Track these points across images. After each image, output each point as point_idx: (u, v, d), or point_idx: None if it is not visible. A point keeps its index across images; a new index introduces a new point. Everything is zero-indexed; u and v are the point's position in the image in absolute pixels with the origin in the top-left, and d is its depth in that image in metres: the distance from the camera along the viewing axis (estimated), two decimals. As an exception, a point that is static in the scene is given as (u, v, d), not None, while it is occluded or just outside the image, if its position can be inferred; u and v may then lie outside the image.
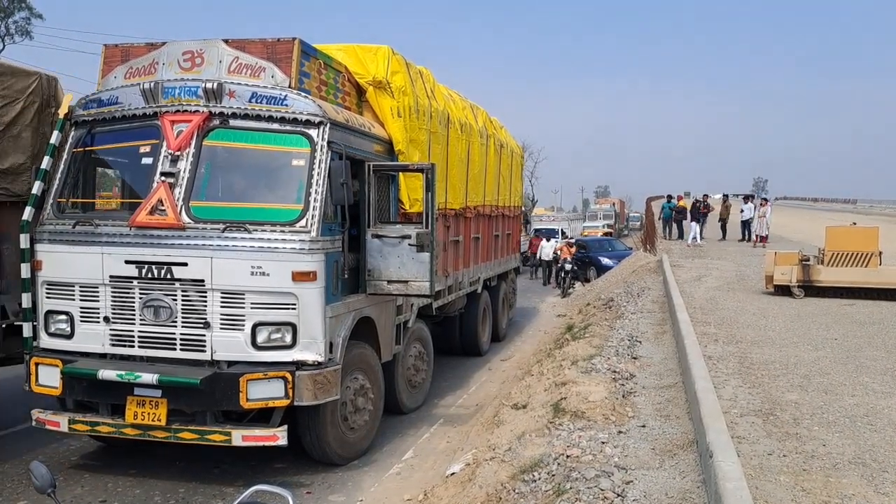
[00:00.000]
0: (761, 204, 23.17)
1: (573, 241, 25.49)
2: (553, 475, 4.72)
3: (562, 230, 31.14)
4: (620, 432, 5.35)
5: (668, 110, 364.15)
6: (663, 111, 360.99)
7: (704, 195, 25.38)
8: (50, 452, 6.54)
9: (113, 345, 5.77)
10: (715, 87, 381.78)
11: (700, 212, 23.43)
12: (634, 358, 7.73)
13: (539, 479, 4.76)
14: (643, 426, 5.51)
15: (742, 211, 24.03)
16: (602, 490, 4.22)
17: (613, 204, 59.48)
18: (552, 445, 5.19)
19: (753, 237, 23.14)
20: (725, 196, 25.25)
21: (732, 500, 3.35)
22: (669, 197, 27.02)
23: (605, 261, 23.12)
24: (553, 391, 6.61)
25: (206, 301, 5.60)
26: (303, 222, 5.66)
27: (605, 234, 40.70)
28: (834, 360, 7.82)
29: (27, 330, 5.96)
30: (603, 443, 5.08)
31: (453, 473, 5.76)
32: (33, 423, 5.94)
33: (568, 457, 4.89)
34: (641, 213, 54.32)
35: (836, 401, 6.24)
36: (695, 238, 23.09)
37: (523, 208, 17.48)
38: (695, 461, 4.72)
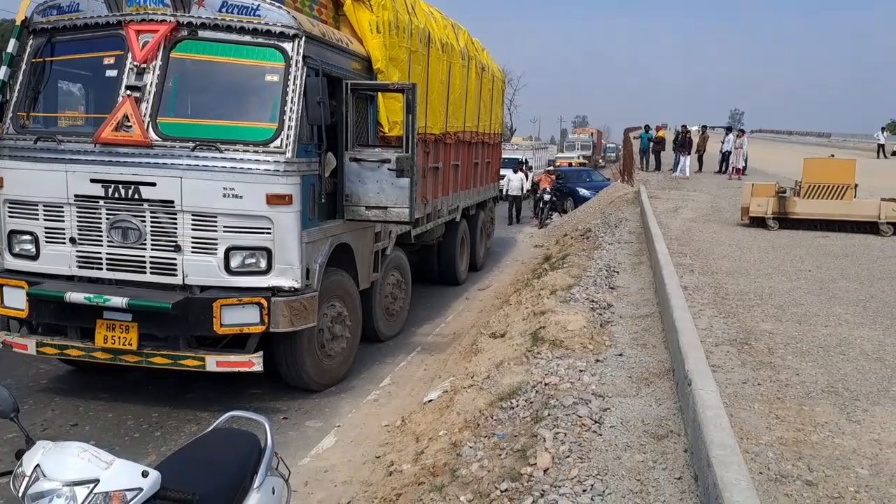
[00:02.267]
0: (738, 136, 23.08)
1: (553, 170, 25.26)
2: (531, 402, 4.72)
3: (525, 160, 27.21)
4: (598, 361, 5.36)
5: (647, 41, 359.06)
6: (641, 42, 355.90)
7: (683, 126, 25.19)
8: (19, 375, 6.40)
9: (80, 267, 5.57)
10: (694, 18, 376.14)
11: (686, 143, 23.09)
12: (612, 288, 7.73)
13: (517, 406, 4.76)
14: (620, 355, 5.53)
15: (723, 143, 23.93)
16: (580, 417, 4.23)
17: (591, 134, 58.95)
18: (530, 374, 5.18)
19: (730, 169, 23.14)
20: (704, 127, 25.08)
21: (712, 427, 3.35)
22: (647, 127, 26.76)
23: (583, 192, 23.04)
24: (532, 320, 6.59)
25: (176, 223, 5.40)
26: (277, 142, 5.43)
27: (581, 164, 38.98)
28: (808, 291, 7.90)
29: (-11, 251, 5.74)
30: (581, 371, 5.08)
31: (431, 400, 5.76)
32: (0, 346, 5.79)
33: (546, 385, 4.89)
34: (617, 145, 54.02)
35: (810, 331, 6.31)
36: (683, 170, 22.86)
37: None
38: (671, 389, 4.75)
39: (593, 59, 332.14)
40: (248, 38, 5.50)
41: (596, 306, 6.88)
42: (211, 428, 3.20)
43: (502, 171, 18.51)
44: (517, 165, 22.75)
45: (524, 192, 21.53)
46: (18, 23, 5.80)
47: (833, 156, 14.66)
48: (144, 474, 2.14)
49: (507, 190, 20.52)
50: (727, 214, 14.42)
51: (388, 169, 6.26)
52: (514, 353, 5.88)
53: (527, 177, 21.92)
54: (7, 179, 5.64)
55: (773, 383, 4.99)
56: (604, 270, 8.54)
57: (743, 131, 23.90)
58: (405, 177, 6.24)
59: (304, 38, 5.57)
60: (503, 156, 17.76)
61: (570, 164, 36.75)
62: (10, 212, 5.68)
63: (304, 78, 5.52)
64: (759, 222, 12.71)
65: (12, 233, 5.69)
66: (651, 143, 25.85)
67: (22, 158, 5.56)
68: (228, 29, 5.48)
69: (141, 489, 2.11)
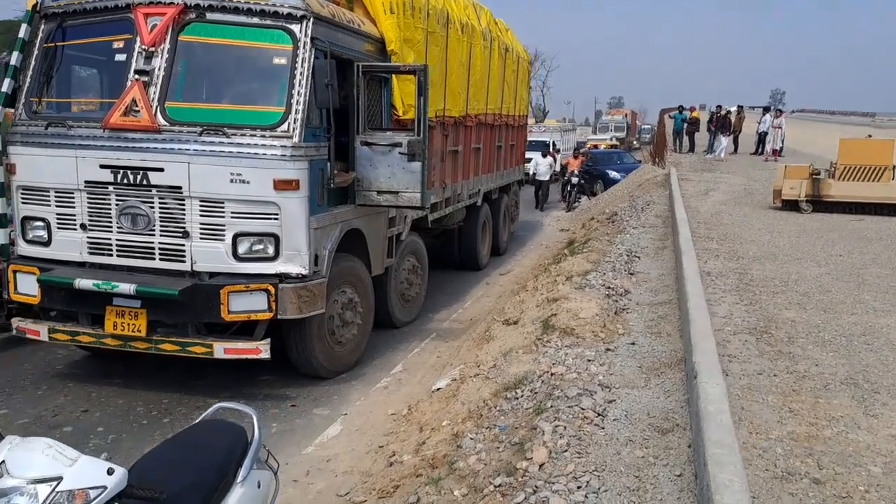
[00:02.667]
0: (775, 115, 22.42)
1: (583, 151, 24.85)
2: (535, 393, 4.62)
3: (552, 143, 26.24)
4: (608, 350, 5.23)
5: (686, 20, 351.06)
6: (680, 21, 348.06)
7: (718, 106, 24.57)
8: (36, 360, 6.52)
9: (91, 253, 5.61)
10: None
11: (727, 124, 22.44)
12: (631, 274, 7.56)
13: (521, 396, 4.68)
14: (633, 343, 5.39)
15: (759, 123, 23.28)
16: (583, 409, 4.12)
17: (626, 115, 57.81)
18: (538, 363, 5.08)
19: (766, 150, 22.53)
20: (740, 107, 24.39)
21: (712, 423, 3.22)
22: (681, 108, 26.17)
23: (613, 174, 22.67)
24: (545, 307, 6.48)
25: (184, 209, 5.39)
26: (284, 126, 5.38)
27: (611, 146, 38.05)
28: (836, 276, 7.64)
29: (3, 236, 5.80)
30: (589, 360, 4.97)
31: (439, 389, 5.70)
32: (14, 332, 5.88)
33: (552, 374, 4.79)
34: (653, 126, 52.95)
35: (834, 319, 6.09)
36: (719, 153, 22.26)
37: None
38: (681, 380, 4.60)
39: (630, 39, 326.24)
40: (255, 19, 5.44)
41: (612, 293, 6.73)
42: (198, 420, 3.17)
43: (530, 154, 18.27)
44: (544, 148, 21.82)
45: (552, 176, 20.61)
46: (29, 7, 5.82)
47: (871, 136, 14.13)
48: (110, 472, 2.10)
49: (535, 174, 19.79)
50: (760, 197, 14.04)
51: (400, 153, 6.18)
52: (523, 341, 5.78)
53: (555, 160, 20.92)
54: (19, 165, 5.69)
55: (790, 374, 4.81)
56: (624, 255, 8.36)
57: (781, 111, 23.20)
58: (417, 161, 6.15)
59: (312, 20, 5.48)
60: (529, 138, 17.42)
61: (594, 147, 35.54)
62: (23, 198, 5.73)
63: (312, 60, 5.45)
64: (791, 205, 12.36)
65: (25, 219, 5.75)
66: (685, 125, 25.31)
67: (34, 144, 5.60)
68: (236, 11, 5.42)
69: (105, 487, 2.07)
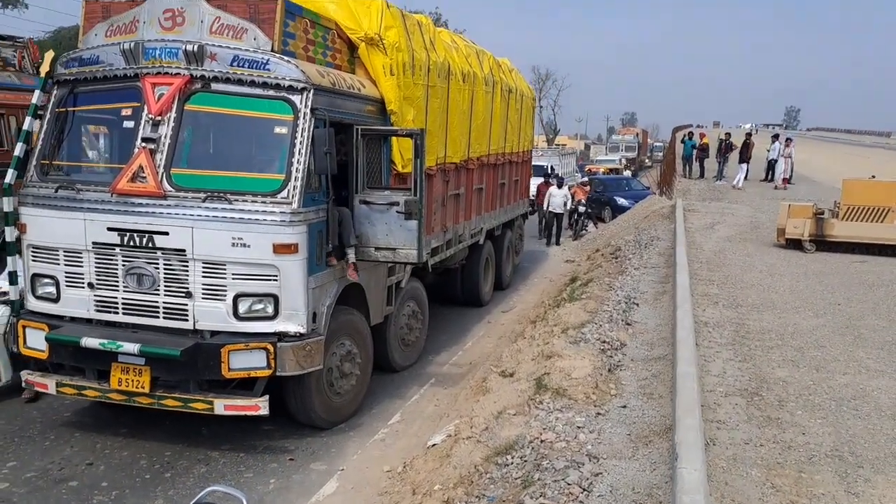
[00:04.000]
0: (786, 144, 22.45)
1: (587, 181, 24.86)
2: (525, 461, 4.73)
3: (550, 167, 24.10)
4: (599, 414, 5.34)
5: (700, 36, 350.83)
6: (694, 37, 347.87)
7: (727, 133, 24.65)
8: (45, 408, 6.70)
9: (98, 310, 5.79)
10: (750, 11, 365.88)
11: (746, 152, 22.20)
12: (628, 324, 7.66)
13: (511, 463, 4.79)
14: (624, 406, 5.49)
15: (768, 150, 23.29)
16: (568, 484, 4.23)
17: (637, 134, 57.83)
18: (529, 426, 5.20)
19: (777, 179, 22.54)
20: (748, 134, 24.44)
21: (687, 515, 3.32)
22: (690, 134, 26.30)
23: (621, 201, 22.75)
24: (540, 362, 6.59)
25: (187, 270, 5.57)
26: (284, 193, 5.56)
27: (611, 170, 35.76)
28: (833, 329, 7.70)
29: (14, 293, 6.00)
30: (579, 427, 5.07)
31: (434, 445, 5.81)
32: (23, 385, 6.07)
33: (542, 441, 4.90)
34: (665, 142, 52.80)
35: (827, 379, 6.16)
36: (738, 180, 21.97)
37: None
38: (668, 451, 4.69)
39: (644, 55, 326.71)
40: (258, 91, 5.63)
41: (607, 347, 6.83)
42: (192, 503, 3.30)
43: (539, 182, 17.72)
44: (549, 176, 20.28)
45: (567, 208, 18.94)
46: (43, 75, 6.05)
47: (874, 177, 14.17)
48: None
49: (549, 207, 18.43)
50: (765, 232, 14.09)
51: (397, 211, 6.33)
52: (517, 399, 5.89)
53: (559, 186, 18.86)
54: (30, 226, 5.89)
55: (776, 444, 4.90)
56: (622, 303, 8.46)
57: (790, 139, 23.21)
58: (413, 219, 6.30)
59: (312, 91, 5.67)
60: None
61: (592, 172, 33.34)
62: (33, 256, 5.93)
63: (312, 130, 5.63)
64: (795, 244, 12.40)
65: (35, 276, 5.95)
66: (694, 151, 25.40)
67: (44, 206, 5.81)
68: (240, 82, 5.62)
69: None
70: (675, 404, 4.76)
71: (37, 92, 6.02)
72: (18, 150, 5.95)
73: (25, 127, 5.99)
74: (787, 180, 22.28)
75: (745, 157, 22.22)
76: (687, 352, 5.76)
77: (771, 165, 23.46)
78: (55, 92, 6.09)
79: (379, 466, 5.79)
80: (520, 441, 5.02)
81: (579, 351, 6.62)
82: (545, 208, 18.72)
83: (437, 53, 8.19)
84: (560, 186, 18.75)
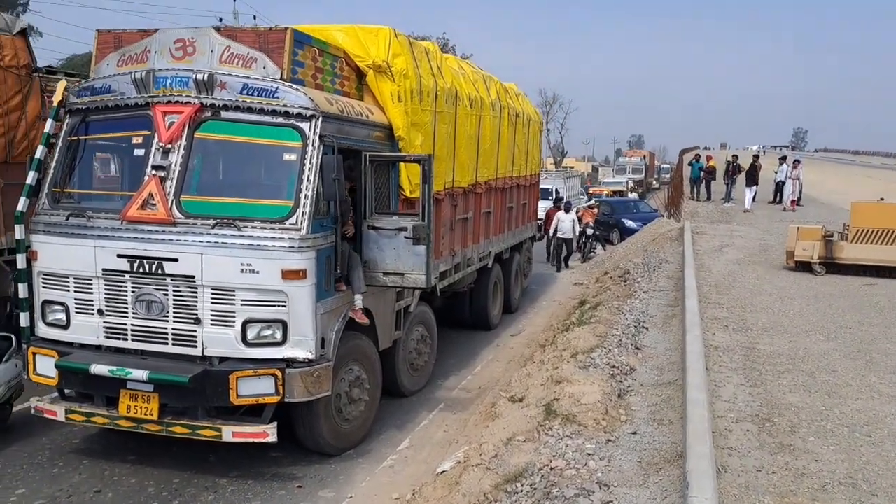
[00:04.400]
0: (793, 166, 22.45)
1: (596, 203, 24.85)
2: (535, 489, 4.69)
3: (555, 190, 24.70)
4: (609, 441, 5.29)
5: (707, 57, 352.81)
6: (701, 58, 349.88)
7: (734, 156, 24.70)
8: (54, 435, 6.69)
9: (107, 337, 5.82)
10: (757, 33, 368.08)
11: (754, 174, 22.10)
12: (638, 348, 7.61)
13: (521, 491, 4.74)
14: (634, 433, 5.44)
15: (776, 172, 23.27)
16: (578, 513, 4.18)
17: (644, 157, 57.95)
18: (538, 454, 5.15)
19: (786, 200, 22.51)
20: (755, 156, 24.44)
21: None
22: (698, 156, 26.36)
23: (629, 223, 22.76)
24: (549, 387, 6.55)
25: (196, 297, 5.59)
26: (293, 219, 5.59)
27: (615, 192, 35.70)
28: (844, 353, 7.64)
29: (24, 319, 6.03)
30: (589, 454, 5.02)
31: (443, 472, 5.77)
32: (32, 412, 6.08)
33: (552, 469, 4.85)
34: (672, 164, 52.82)
35: (839, 405, 6.09)
36: (748, 203, 21.88)
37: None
38: (679, 478, 4.64)
39: (651, 77, 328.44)
40: (267, 118, 5.70)
41: (617, 372, 6.79)
42: None
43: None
44: (558, 201, 20.35)
45: (576, 233, 18.88)
46: (56, 103, 6.13)
47: (883, 199, 14.13)
48: None
49: (557, 231, 18.26)
50: (775, 255, 14.03)
51: (405, 237, 6.36)
52: (526, 425, 5.85)
53: (566, 210, 18.56)
54: (41, 253, 5.94)
55: (788, 472, 4.84)
56: (632, 327, 8.42)
57: (798, 161, 23.21)
58: (421, 244, 6.32)
59: (320, 118, 5.73)
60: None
61: (593, 195, 32.61)
62: (43, 283, 5.98)
63: (320, 156, 5.68)
64: (805, 266, 12.35)
65: (45, 303, 5.99)
66: (702, 173, 25.43)
67: (55, 233, 5.86)
68: (249, 110, 5.69)
69: None
70: (685, 431, 4.72)
71: (49, 121, 6.11)
72: (31, 178, 6.02)
73: (37, 155, 6.06)
74: (795, 202, 22.25)
75: (752, 179, 22.16)
76: (697, 377, 5.72)
77: (779, 187, 23.45)
78: (67, 120, 6.17)
79: (388, 494, 5.74)
80: (529, 468, 4.98)
81: (589, 376, 6.58)
82: (552, 234, 18.49)
83: (445, 79, 8.27)
84: (567, 211, 18.54)
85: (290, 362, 5.63)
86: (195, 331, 5.63)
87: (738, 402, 6.10)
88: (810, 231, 12.46)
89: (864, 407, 6.06)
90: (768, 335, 8.33)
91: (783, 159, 23.99)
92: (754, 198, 22.28)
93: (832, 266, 12.15)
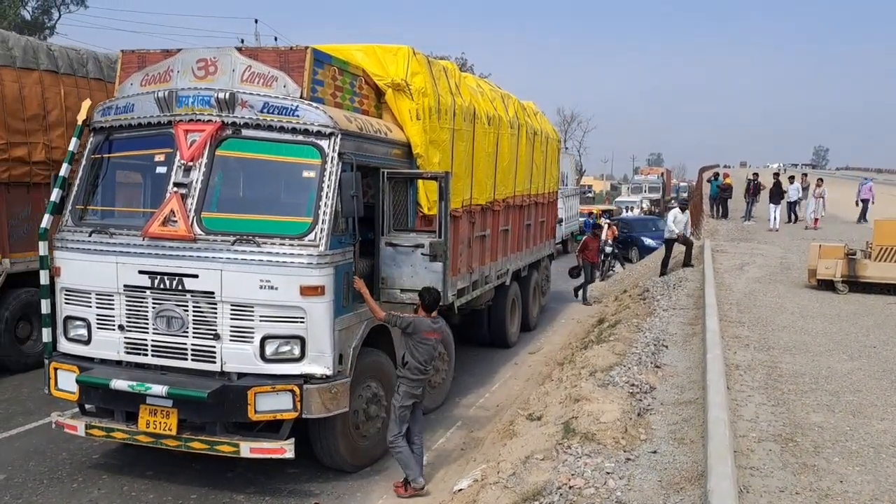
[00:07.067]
0: (817, 185, 22.22)
1: (616, 222, 24.72)
2: (553, 508, 4.64)
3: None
4: (629, 459, 5.22)
5: (726, 75, 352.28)
6: (720, 76, 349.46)
7: (755, 174, 24.52)
8: (73, 449, 6.74)
9: (127, 352, 5.87)
10: (776, 50, 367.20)
11: (778, 192, 21.73)
12: (657, 367, 7.53)
13: (539, 510, 4.69)
14: (654, 452, 5.37)
15: (787, 192, 23.04)
16: (597, 534, 4.13)
17: (660, 175, 57.47)
18: (557, 472, 5.10)
19: (808, 219, 22.26)
20: (776, 174, 24.24)
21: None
22: (716, 174, 26.20)
23: (648, 241, 22.64)
24: (567, 406, 6.50)
25: (216, 313, 5.64)
26: (311, 236, 5.63)
27: (604, 211, 31.98)
28: (869, 373, 7.50)
29: (46, 335, 6.11)
30: (608, 473, 4.96)
31: (461, 490, 5.73)
32: (53, 427, 6.13)
33: (570, 487, 4.80)
34: (690, 183, 52.23)
35: (864, 425, 5.98)
36: (774, 222, 21.50)
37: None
38: (700, 499, 4.57)
39: (670, 96, 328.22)
40: (287, 136, 5.77)
41: (636, 390, 6.72)
42: None
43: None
44: (596, 227, 19.01)
45: (601, 256, 18.01)
46: (80, 122, 6.25)
47: (907, 216, 13.95)
48: None
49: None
50: (796, 273, 13.86)
51: (423, 254, 6.37)
52: (544, 443, 5.80)
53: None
54: (64, 269, 6.03)
55: (812, 492, 4.74)
56: (651, 345, 8.34)
57: (821, 179, 22.95)
58: (438, 261, 6.33)
59: (339, 136, 5.79)
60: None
61: (593, 214, 28.24)
62: (66, 299, 6.06)
63: (339, 173, 5.73)
64: (827, 285, 12.18)
65: (68, 318, 6.06)
66: (720, 191, 25.26)
67: (78, 250, 5.95)
68: (269, 128, 5.76)
69: None
70: (706, 451, 4.65)
71: (73, 139, 6.22)
72: (55, 195, 6.12)
73: (62, 173, 6.17)
74: (817, 220, 22.00)
75: (777, 197, 21.95)
76: (718, 396, 5.65)
77: (791, 207, 23.26)
78: (91, 139, 6.28)
79: (404, 512, 5.71)
80: (548, 487, 4.92)
81: (608, 394, 6.52)
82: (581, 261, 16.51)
83: (463, 98, 8.32)
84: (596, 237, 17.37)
85: (307, 378, 5.65)
86: (214, 346, 5.66)
87: (760, 422, 6.00)
88: (833, 249, 12.31)
89: (890, 427, 5.94)
90: (790, 354, 8.21)
91: (792, 179, 23.78)
92: (777, 216, 22.02)
93: (855, 284, 11.98)
